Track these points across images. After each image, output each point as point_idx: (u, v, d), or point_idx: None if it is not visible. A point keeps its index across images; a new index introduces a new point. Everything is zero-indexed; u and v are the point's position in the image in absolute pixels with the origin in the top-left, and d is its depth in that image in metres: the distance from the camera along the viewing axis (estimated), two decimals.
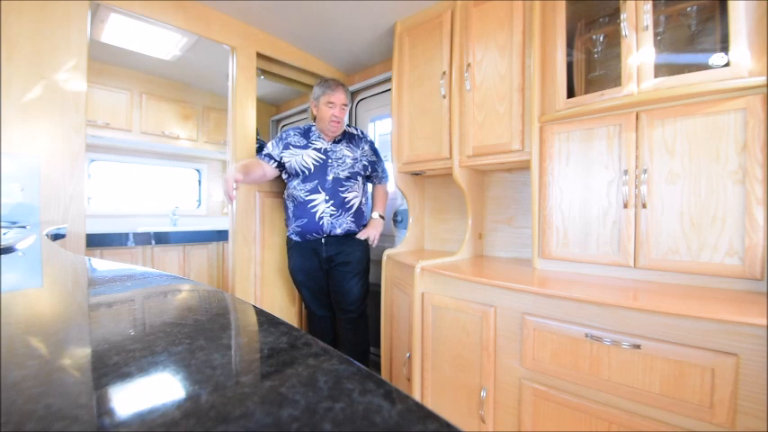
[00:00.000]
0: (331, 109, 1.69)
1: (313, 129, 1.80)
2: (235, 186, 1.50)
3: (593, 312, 0.93)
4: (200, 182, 3.34)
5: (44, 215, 1.33)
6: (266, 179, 1.84)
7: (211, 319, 0.35)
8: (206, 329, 0.31)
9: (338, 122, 1.71)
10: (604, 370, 0.91)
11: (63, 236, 1.29)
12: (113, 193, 2.83)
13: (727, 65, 0.96)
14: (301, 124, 1.91)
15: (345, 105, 1.72)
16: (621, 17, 1.09)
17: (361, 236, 1.80)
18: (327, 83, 1.72)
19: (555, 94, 1.26)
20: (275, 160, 1.78)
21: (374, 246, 1.87)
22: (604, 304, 0.91)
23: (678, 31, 1.19)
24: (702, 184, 1.00)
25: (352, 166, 1.78)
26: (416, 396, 1.37)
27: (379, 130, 2.46)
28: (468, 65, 1.50)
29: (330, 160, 1.75)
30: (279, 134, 1.84)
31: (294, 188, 1.76)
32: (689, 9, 1.14)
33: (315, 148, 1.75)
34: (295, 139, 1.78)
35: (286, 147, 1.76)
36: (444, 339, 1.29)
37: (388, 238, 2.27)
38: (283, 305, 2.14)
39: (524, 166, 1.51)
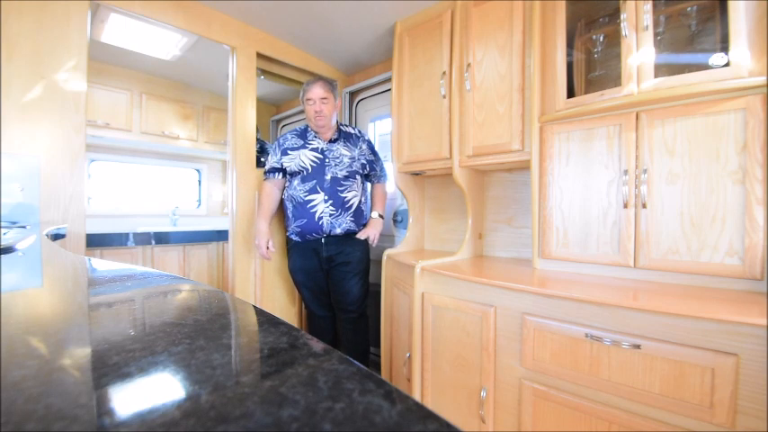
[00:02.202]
0: (311, 106, 1.71)
1: (309, 129, 1.81)
2: (268, 248, 1.73)
3: (593, 312, 0.93)
4: (200, 182, 3.34)
5: (44, 215, 1.33)
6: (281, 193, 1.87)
7: (211, 319, 0.35)
8: (206, 329, 0.31)
9: (321, 116, 1.71)
10: (604, 370, 0.91)
11: (63, 236, 1.29)
12: (113, 193, 2.82)
13: (727, 65, 0.96)
14: (300, 125, 1.91)
15: (325, 98, 1.71)
16: (621, 17, 1.09)
17: (361, 236, 1.80)
18: (307, 81, 1.76)
19: (555, 94, 1.26)
20: (280, 170, 1.80)
21: (374, 245, 1.87)
22: (604, 304, 0.91)
23: (678, 31, 1.19)
24: (702, 184, 1.00)
25: (350, 165, 1.78)
26: (416, 396, 1.37)
27: (379, 130, 2.46)
28: (468, 65, 1.50)
29: (327, 159, 1.75)
30: (276, 141, 1.85)
31: (293, 189, 1.76)
32: (689, 9, 1.14)
33: (312, 148, 1.76)
34: (291, 142, 1.79)
35: (284, 152, 1.78)
36: (444, 339, 1.29)
37: (388, 238, 2.27)
38: (283, 305, 2.14)
39: (524, 166, 1.51)
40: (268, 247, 1.72)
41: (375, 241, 1.84)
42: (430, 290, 1.35)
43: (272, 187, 1.81)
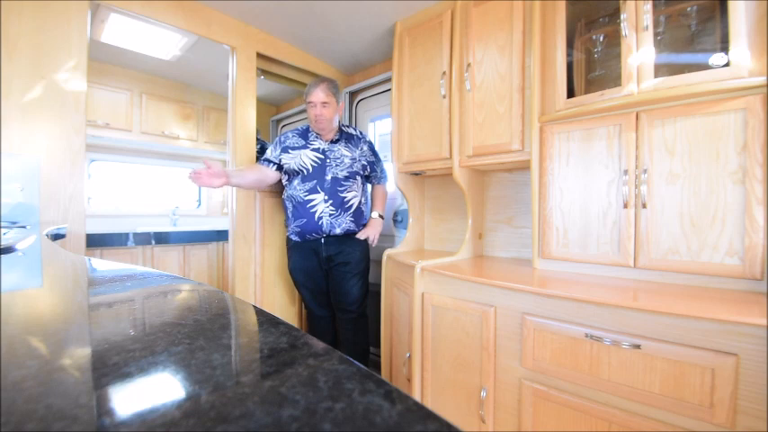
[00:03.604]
0: (312, 109, 1.70)
1: (310, 129, 1.81)
2: (209, 173, 1.46)
3: (593, 312, 0.93)
4: None
5: (44, 215, 1.32)
6: (266, 183, 1.82)
7: (211, 319, 0.35)
8: (206, 329, 0.31)
9: (322, 120, 1.71)
10: (604, 370, 0.91)
11: (63, 236, 1.29)
12: (113, 193, 2.83)
13: (727, 65, 0.96)
14: (301, 125, 1.91)
15: (326, 103, 1.70)
16: (621, 17, 1.09)
17: (361, 236, 1.80)
18: (309, 83, 1.74)
19: (555, 94, 1.26)
20: (274, 163, 1.79)
21: (374, 246, 1.87)
22: (604, 304, 0.91)
23: (678, 31, 1.19)
24: (702, 184, 1.00)
25: (351, 166, 1.78)
26: (416, 396, 1.37)
27: (379, 130, 2.46)
28: (468, 65, 1.50)
29: (328, 160, 1.75)
30: (277, 138, 1.85)
31: (293, 188, 1.76)
32: (689, 9, 1.14)
33: (313, 149, 1.76)
34: (293, 140, 1.78)
35: (284, 150, 1.77)
36: (444, 339, 1.29)
37: (388, 238, 2.27)
38: (283, 305, 2.14)
39: (524, 166, 1.51)
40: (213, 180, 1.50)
41: (375, 241, 1.84)
42: (430, 290, 1.35)
43: (259, 166, 1.78)
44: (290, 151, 1.77)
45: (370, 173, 1.89)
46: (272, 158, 1.79)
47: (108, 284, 0.52)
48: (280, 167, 1.79)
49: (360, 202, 1.82)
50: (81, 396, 0.20)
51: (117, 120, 2.56)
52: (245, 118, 1.94)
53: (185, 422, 0.17)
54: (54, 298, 0.45)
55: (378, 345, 1.86)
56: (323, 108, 1.70)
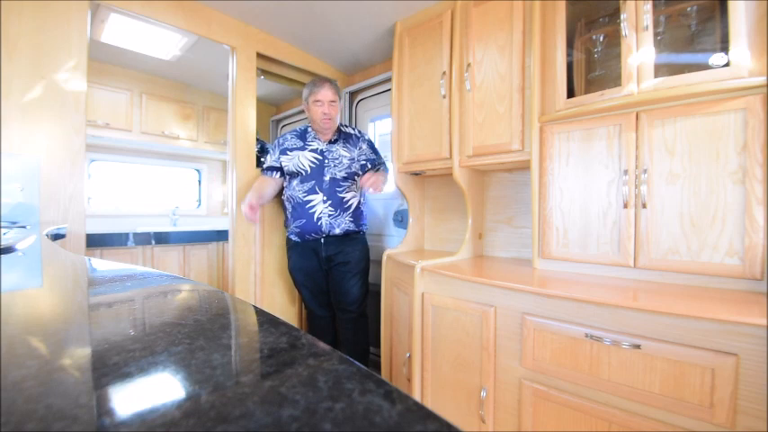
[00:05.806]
0: (319, 107, 1.70)
1: (309, 130, 1.81)
2: (252, 211, 1.64)
3: (593, 312, 0.93)
4: (200, 182, 3.34)
5: (44, 215, 1.32)
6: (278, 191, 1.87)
7: (211, 319, 0.35)
8: (206, 329, 0.31)
9: (329, 119, 1.71)
10: (604, 370, 0.91)
11: (63, 236, 1.29)
12: (113, 193, 2.83)
13: (727, 65, 0.96)
14: (300, 125, 1.91)
15: (333, 101, 1.71)
16: (621, 17, 1.09)
17: (363, 183, 1.67)
18: (313, 81, 1.74)
19: (555, 94, 1.26)
20: (278, 169, 1.80)
21: (380, 192, 1.72)
22: (604, 304, 0.91)
23: (678, 31, 1.19)
24: (702, 184, 1.00)
25: (350, 167, 1.78)
26: (416, 396, 1.37)
27: (379, 130, 2.46)
28: (468, 65, 1.50)
29: (327, 161, 1.75)
30: (275, 141, 1.86)
31: (292, 189, 1.77)
32: (689, 9, 1.14)
33: (311, 150, 1.76)
34: (291, 142, 1.79)
35: (283, 152, 1.78)
36: (444, 339, 1.29)
37: (387, 238, 2.27)
38: (283, 305, 2.14)
39: (524, 166, 1.51)
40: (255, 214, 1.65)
41: (379, 188, 1.68)
42: (430, 290, 1.35)
43: (269, 179, 1.82)
44: (288, 153, 1.77)
45: (371, 168, 1.88)
46: (275, 164, 1.80)
47: (108, 284, 0.52)
48: (282, 170, 1.80)
49: (359, 202, 1.83)
50: (81, 396, 0.20)
51: (117, 120, 2.56)
52: (245, 118, 1.94)
53: (185, 422, 0.17)
54: (54, 298, 0.45)
55: (378, 345, 1.86)
56: (331, 107, 1.70)
